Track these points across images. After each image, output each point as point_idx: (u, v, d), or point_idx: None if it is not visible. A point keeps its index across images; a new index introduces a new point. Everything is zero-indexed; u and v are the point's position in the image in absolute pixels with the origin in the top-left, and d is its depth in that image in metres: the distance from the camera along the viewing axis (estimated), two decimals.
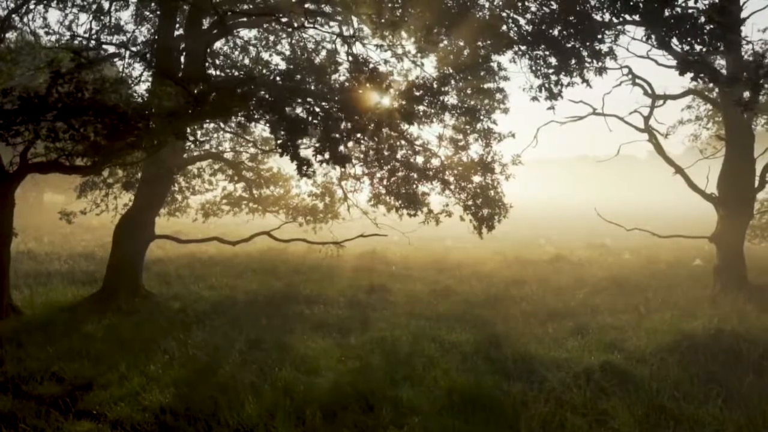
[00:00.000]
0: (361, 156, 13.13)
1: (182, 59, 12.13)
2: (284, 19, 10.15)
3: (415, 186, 12.68)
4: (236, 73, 14.10)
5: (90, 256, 16.94)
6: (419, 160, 13.06)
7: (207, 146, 16.44)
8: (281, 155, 6.61)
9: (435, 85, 11.68)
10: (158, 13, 12.09)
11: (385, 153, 12.42)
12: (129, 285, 11.65)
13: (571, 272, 15.19)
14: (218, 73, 14.03)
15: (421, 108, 12.15)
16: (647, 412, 5.94)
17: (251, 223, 16.70)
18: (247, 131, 11.81)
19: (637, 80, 14.50)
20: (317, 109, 6.99)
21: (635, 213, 36.50)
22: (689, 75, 6.80)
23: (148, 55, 6.43)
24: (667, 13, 6.32)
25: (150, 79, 12.37)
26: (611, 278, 14.03)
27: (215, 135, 16.10)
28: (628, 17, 6.97)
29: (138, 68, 13.83)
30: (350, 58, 13.28)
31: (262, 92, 6.55)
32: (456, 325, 10.09)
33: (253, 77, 7.46)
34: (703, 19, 6.18)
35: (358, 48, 13.97)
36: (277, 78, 9.72)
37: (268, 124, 7.02)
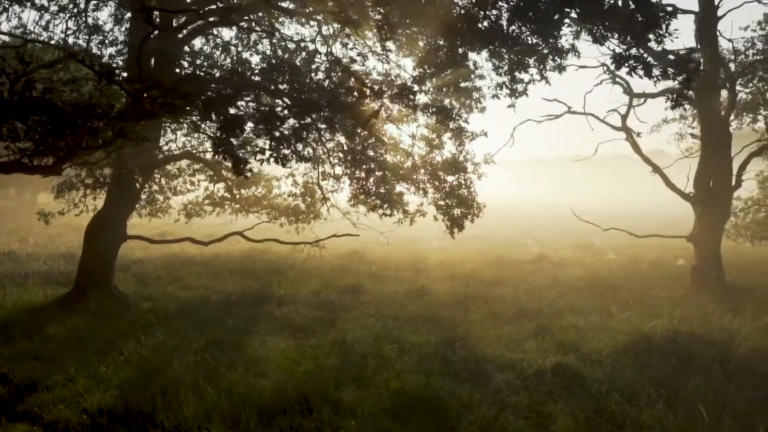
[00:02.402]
0: (341, 156, 13.12)
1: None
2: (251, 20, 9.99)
3: (391, 185, 12.67)
4: (217, 73, 14.02)
5: (71, 257, 16.90)
6: (393, 159, 13.05)
7: (189, 146, 16.45)
8: (215, 154, 6.55)
9: (409, 84, 11.69)
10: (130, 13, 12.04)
11: (359, 153, 12.42)
12: (100, 286, 11.60)
13: (551, 272, 15.07)
14: (198, 73, 13.97)
15: (395, 107, 12.15)
16: (591, 416, 5.84)
17: (235, 224, 16.63)
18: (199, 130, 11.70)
19: (617, 79, 14.42)
20: (264, 107, 6.93)
21: (628, 212, 36.35)
22: (624, 69, 6.74)
23: (88, 55, 6.37)
24: (603, 8, 6.23)
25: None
26: (589, 278, 13.91)
27: (195, 135, 16.04)
28: (567, 12, 6.86)
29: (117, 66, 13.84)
30: (331, 58, 13.30)
31: (210, 91, 6.50)
32: (423, 325, 10.02)
33: (197, 76, 7.39)
34: (631, 12, 6.09)
35: (343, 48, 13.91)
36: (256, 76, 9.74)
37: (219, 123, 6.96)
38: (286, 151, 6.94)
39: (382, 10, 10.75)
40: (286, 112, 7.20)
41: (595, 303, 11.18)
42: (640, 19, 6.07)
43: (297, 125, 7.50)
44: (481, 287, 13.25)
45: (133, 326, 9.60)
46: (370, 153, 12.69)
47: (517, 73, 8.03)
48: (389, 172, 12.81)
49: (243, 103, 7.11)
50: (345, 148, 12.57)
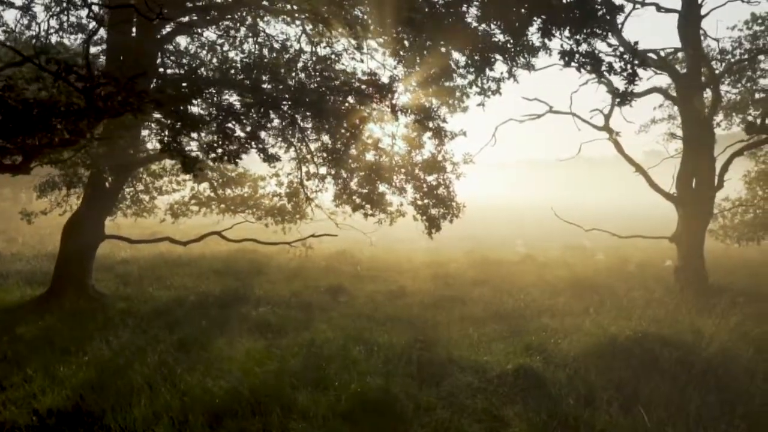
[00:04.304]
0: (324, 155, 13.07)
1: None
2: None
3: (374, 185, 12.59)
4: (203, 72, 13.93)
5: (56, 257, 16.86)
6: (373, 158, 12.97)
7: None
8: (162, 151, 6.47)
9: (386, 82, 11.66)
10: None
11: (339, 152, 12.38)
12: (76, 286, 11.55)
13: (535, 273, 14.94)
14: (181, 71, 13.91)
15: (374, 106, 12.07)
16: (546, 419, 5.74)
17: (223, 224, 16.52)
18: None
19: (602, 78, 14.29)
20: (223, 105, 6.86)
21: (626, 212, 36.10)
22: (574, 65, 6.61)
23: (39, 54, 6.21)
24: (554, 4, 6.13)
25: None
26: (572, 279, 13.78)
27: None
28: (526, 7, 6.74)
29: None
30: (314, 58, 13.23)
31: (169, 89, 6.43)
32: (397, 326, 9.93)
33: (147, 73, 7.29)
34: (570, 6, 5.99)
35: (317, 47, 13.83)
36: (231, 75, 9.59)
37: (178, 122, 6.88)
38: (242, 149, 6.85)
39: (363, 9, 10.70)
40: (244, 109, 7.12)
41: (573, 304, 11.06)
42: (580, 13, 5.96)
43: (257, 123, 7.41)
44: (462, 288, 13.16)
45: (104, 327, 9.54)
46: (351, 152, 12.66)
47: (487, 71, 7.91)
48: (370, 172, 12.76)
49: (201, 100, 7.05)
50: (328, 147, 12.54)
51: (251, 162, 13.42)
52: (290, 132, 10.02)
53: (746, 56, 14.57)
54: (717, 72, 13.94)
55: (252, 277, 15.27)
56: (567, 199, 65.44)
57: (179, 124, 6.18)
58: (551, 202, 21.15)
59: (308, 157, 13.75)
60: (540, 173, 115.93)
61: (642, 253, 18.27)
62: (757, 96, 15.49)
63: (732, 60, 14.65)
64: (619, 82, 7.25)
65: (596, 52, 6.46)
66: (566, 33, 6.36)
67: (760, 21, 14.36)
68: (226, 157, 6.53)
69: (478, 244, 21.84)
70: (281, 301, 12.02)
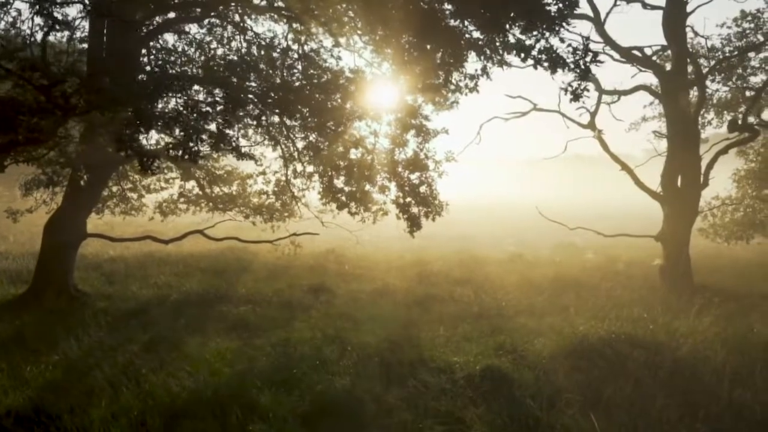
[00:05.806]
0: (311, 153, 13.02)
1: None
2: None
3: (360, 183, 12.54)
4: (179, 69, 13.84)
5: None
6: (356, 156, 12.90)
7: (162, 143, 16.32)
8: (117, 150, 6.40)
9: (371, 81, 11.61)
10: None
11: (325, 150, 12.33)
12: (57, 284, 11.49)
13: (522, 272, 14.84)
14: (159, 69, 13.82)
15: (357, 104, 12.00)
16: (507, 421, 5.67)
17: (213, 222, 16.47)
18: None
19: (590, 75, 14.14)
20: (189, 102, 6.80)
21: (622, 211, 35.92)
22: (530, 62, 6.50)
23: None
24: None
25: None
26: (558, 278, 13.68)
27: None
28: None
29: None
30: (296, 55, 13.18)
31: (135, 87, 6.38)
32: (375, 325, 9.86)
33: (109, 72, 7.22)
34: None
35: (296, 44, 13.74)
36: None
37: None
38: (214, 148, 6.78)
39: (340, 7, 10.60)
40: (209, 108, 7.05)
41: (554, 303, 10.97)
42: (529, 8, 5.85)
43: (226, 121, 7.32)
44: (446, 286, 13.08)
45: (80, 326, 9.48)
46: (336, 150, 12.60)
47: (459, 67, 7.81)
48: (355, 170, 12.70)
49: (174, 98, 6.98)
50: (313, 144, 12.49)
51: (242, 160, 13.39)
52: (277, 130, 9.91)
53: (735, 53, 14.43)
54: (705, 69, 13.81)
55: (237, 275, 15.22)
56: (568, 198, 65.23)
57: (138, 122, 6.14)
58: (550, 201, 21.07)
59: (295, 155, 13.71)
60: (541, 172, 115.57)
61: (633, 251, 18.13)
62: (747, 94, 15.35)
63: (721, 57, 14.52)
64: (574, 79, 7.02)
65: (553, 48, 6.36)
66: (520, 29, 6.27)
67: (749, 18, 14.22)
68: (186, 156, 6.47)
69: (470, 243, 21.74)
70: (263, 299, 11.96)
